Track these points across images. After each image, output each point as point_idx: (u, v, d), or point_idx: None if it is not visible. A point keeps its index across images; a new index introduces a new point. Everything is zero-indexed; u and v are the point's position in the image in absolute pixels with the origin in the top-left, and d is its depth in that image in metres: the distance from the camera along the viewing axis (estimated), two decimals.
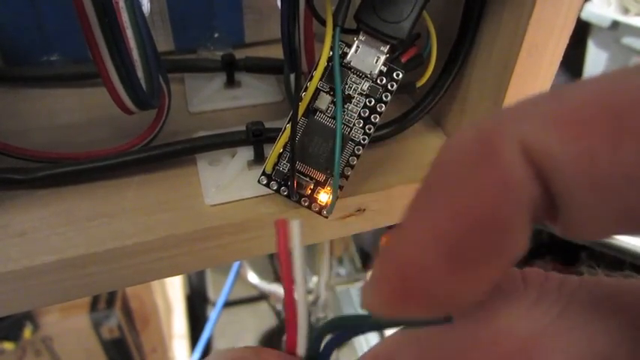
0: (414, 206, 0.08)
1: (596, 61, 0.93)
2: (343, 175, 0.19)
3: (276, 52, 0.23)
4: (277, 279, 0.88)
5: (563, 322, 0.09)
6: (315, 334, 0.10)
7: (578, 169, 0.07)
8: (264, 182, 0.19)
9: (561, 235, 0.08)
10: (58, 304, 0.19)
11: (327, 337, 0.10)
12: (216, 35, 0.26)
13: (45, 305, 0.19)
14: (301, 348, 0.10)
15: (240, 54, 0.25)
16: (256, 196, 0.20)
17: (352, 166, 0.19)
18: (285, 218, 0.10)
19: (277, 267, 0.95)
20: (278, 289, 0.82)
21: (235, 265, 0.71)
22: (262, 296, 0.91)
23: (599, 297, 0.09)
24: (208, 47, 0.26)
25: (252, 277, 0.83)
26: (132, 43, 0.20)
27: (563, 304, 0.09)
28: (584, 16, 0.67)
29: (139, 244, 0.18)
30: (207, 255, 0.19)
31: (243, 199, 0.20)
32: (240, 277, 0.82)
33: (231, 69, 0.25)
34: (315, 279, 0.80)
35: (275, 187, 0.19)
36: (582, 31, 0.96)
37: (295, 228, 0.09)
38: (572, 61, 1.06)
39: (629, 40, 0.88)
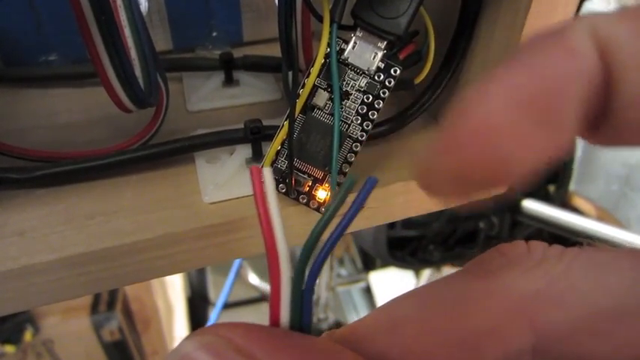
0: (493, 73, 0.09)
1: None
2: (341, 172, 0.19)
3: (275, 51, 0.23)
4: None
5: (563, 281, 0.09)
6: (294, 288, 0.10)
7: None
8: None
9: (603, 145, 0.09)
10: (56, 302, 0.19)
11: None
12: (214, 34, 0.26)
13: (44, 304, 0.19)
14: (284, 311, 0.10)
15: (238, 53, 0.25)
16: None
17: (350, 163, 0.19)
18: (258, 166, 0.10)
19: None
20: None
21: (235, 265, 0.71)
22: (263, 297, 0.91)
23: (598, 261, 0.09)
24: (207, 46, 0.26)
25: (253, 279, 0.83)
26: (129, 41, 0.20)
27: (563, 267, 0.10)
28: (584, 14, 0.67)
29: (138, 242, 0.18)
30: (206, 253, 0.19)
31: (242, 197, 0.20)
32: (240, 278, 0.82)
33: (229, 67, 0.25)
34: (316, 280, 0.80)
35: None
36: None
37: (268, 174, 0.10)
38: None
39: None
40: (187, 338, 0.09)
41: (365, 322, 0.11)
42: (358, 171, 0.21)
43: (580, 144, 0.95)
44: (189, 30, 0.26)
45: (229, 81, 0.25)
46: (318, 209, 0.19)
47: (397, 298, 0.11)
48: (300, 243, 0.21)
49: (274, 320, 0.10)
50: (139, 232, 0.18)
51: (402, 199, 0.21)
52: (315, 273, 0.10)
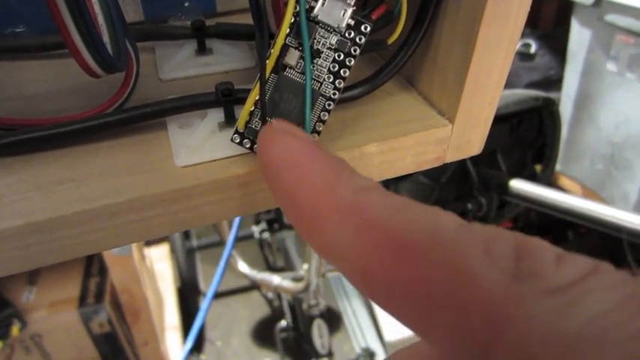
0: None
1: (579, 39, 0.93)
2: (315, 131, 0.19)
3: (249, 20, 0.22)
4: (268, 268, 0.88)
5: None
6: None
7: None
8: (237, 140, 0.19)
9: None
10: (27, 270, 0.18)
11: None
12: (186, 4, 0.26)
13: (13, 272, 0.18)
14: None
15: (212, 23, 0.25)
16: (228, 157, 0.20)
17: (324, 122, 0.19)
18: None
19: (267, 256, 0.95)
20: (269, 278, 0.82)
21: (225, 254, 0.71)
22: (253, 286, 0.91)
23: None
24: (179, 17, 0.26)
25: (243, 267, 0.83)
26: (96, 7, 0.19)
27: None
28: None
29: (109, 206, 0.18)
30: (179, 217, 0.19)
31: (215, 160, 0.20)
32: (230, 267, 0.82)
33: (201, 35, 0.24)
34: (305, 266, 0.80)
35: (248, 145, 0.19)
36: (565, 9, 0.96)
37: None
38: (556, 39, 1.06)
39: (612, 17, 0.88)
40: None
41: None
42: (332, 133, 0.21)
43: (565, 124, 0.96)
44: (161, 0, 0.26)
45: (202, 49, 0.24)
46: None
47: None
48: (275, 205, 0.21)
49: None
50: (110, 196, 0.18)
51: (377, 160, 0.21)
52: None
